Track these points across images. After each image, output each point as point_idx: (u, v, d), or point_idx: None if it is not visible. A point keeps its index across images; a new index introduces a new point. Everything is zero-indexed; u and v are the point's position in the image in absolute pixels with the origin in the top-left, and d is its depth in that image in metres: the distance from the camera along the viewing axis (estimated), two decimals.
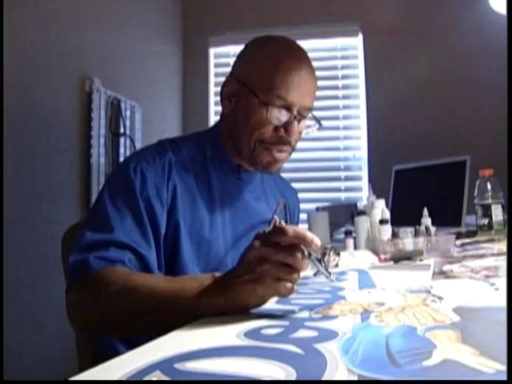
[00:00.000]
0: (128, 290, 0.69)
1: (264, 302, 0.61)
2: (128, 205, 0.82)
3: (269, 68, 0.87)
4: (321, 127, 0.96)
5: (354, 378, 0.36)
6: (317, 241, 0.58)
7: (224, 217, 0.93)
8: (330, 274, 0.63)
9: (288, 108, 0.87)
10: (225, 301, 0.61)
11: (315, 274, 0.64)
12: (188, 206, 0.88)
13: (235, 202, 0.96)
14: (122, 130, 2.06)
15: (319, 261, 0.62)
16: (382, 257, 1.02)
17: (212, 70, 2.81)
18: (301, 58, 0.90)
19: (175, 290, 0.67)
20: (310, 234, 0.58)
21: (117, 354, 0.49)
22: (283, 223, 0.60)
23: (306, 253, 0.58)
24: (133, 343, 0.73)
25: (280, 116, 0.87)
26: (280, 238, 0.58)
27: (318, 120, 0.95)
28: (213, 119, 2.75)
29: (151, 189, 0.84)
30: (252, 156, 0.91)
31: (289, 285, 0.59)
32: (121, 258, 0.76)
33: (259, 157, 0.90)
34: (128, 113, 2.12)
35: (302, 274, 0.61)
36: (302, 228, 0.61)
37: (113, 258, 0.75)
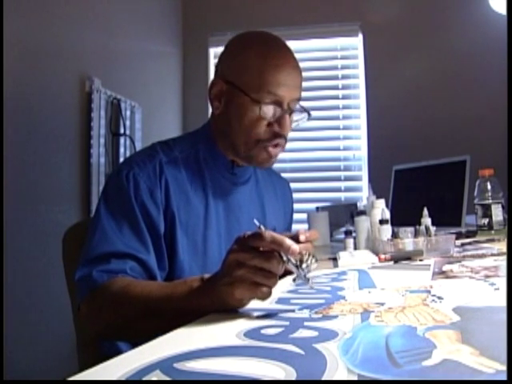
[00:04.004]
0: (127, 299, 0.73)
1: (243, 304, 0.62)
2: (124, 213, 0.84)
3: (256, 66, 0.88)
4: (310, 117, 0.98)
5: (354, 378, 0.36)
6: (294, 247, 0.58)
7: (218, 214, 0.95)
8: (308, 280, 0.63)
9: (279, 103, 0.89)
10: (211, 302, 0.63)
11: (294, 280, 0.64)
12: (182, 204, 0.89)
13: (229, 198, 0.98)
14: (122, 130, 2.05)
15: (297, 267, 0.62)
16: (382, 257, 1.02)
17: (212, 70, 2.81)
18: (286, 53, 0.92)
19: (167, 294, 0.70)
20: (287, 241, 0.58)
21: (118, 351, 0.49)
22: (263, 228, 0.60)
23: (284, 258, 0.59)
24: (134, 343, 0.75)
25: (272, 112, 0.89)
26: (258, 243, 0.59)
27: (306, 110, 0.97)
28: None
29: (145, 193, 0.85)
30: (249, 155, 0.93)
31: (265, 289, 0.60)
32: (122, 268, 0.79)
33: (256, 155, 0.93)
34: (128, 113, 2.12)
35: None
36: (283, 234, 0.61)
37: (114, 270, 0.78)
